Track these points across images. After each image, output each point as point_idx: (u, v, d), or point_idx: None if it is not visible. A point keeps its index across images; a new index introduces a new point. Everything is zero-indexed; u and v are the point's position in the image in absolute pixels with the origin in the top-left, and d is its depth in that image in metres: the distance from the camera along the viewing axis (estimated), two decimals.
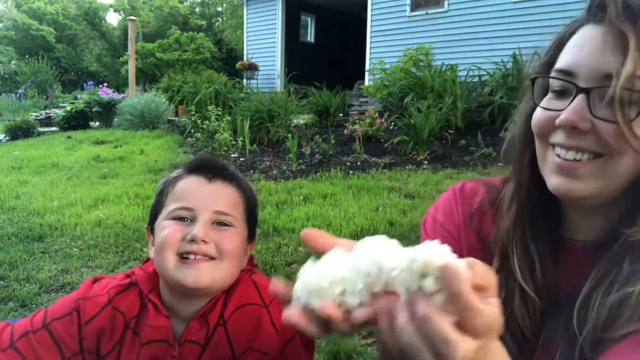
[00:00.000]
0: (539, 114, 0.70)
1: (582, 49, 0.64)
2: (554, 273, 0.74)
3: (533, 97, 0.73)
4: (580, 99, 0.63)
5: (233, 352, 0.90)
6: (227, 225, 0.92)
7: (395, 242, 0.46)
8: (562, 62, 0.67)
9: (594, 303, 0.64)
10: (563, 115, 0.64)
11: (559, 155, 0.66)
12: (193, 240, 0.87)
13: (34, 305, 2.62)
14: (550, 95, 0.69)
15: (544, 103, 0.69)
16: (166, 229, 0.90)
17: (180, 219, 0.90)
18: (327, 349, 2.18)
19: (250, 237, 1.00)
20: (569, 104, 0.64)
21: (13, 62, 30.08)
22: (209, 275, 0.88)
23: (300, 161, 5.93)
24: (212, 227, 0.90)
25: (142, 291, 0.93)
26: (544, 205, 0.75)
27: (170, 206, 0.92)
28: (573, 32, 0.68)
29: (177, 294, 0.92)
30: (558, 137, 0.66)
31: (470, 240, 0.82)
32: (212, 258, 0.88)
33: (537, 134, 0.71)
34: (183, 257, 0.88)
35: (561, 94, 0.67)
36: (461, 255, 0.82)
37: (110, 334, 0.91)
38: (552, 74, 0.68)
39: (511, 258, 0.73)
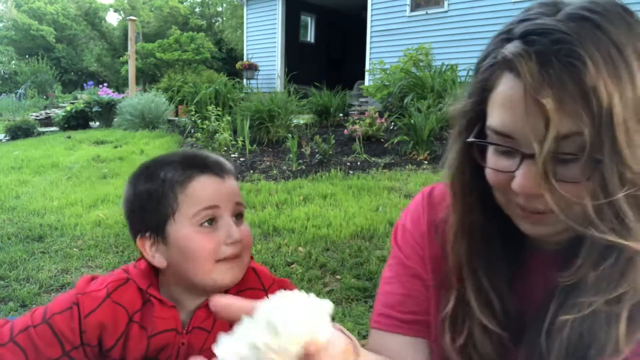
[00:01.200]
0: (490, 173, 0.66)
1: (512, 112, 0.59)
2: (516, 303, 0.70)
3: (468, 151, 0.69)
4: (527, 164, 0.59)
5: None
6: (242, 216, 0.94)
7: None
8: (496, 121, 0.62)
9: (559, 325, 0.62)
10: (518, 184, 0.60)
11: (523, 209, 0.64)
12: (232, 243, 0.88)
13: (34, 305, 2.62)
14: (493, 151, 0.66)
15: (491, 162, 0.65)
16: (196, 239, 0.88)
17: (207, 222, 0.89)
18: None
19: None
20: (518, 169, 0.61)
21: (13, 62, 30.07)
22: (242, 270, 0.92)
23: (300, 161, 5.92)
24: (234, 221, 0.92)
25: (140, 287, 0.94)
26: (497, 234, 0.71)
27: (190, 209, 0.88)
28: (497, 78, 0.62)
29: (187, 289, 0.93)
30: (517, 197, 0.63)
31: (434, 250, 0.80)
32: (239, 254, 0.91)
33: (495, 189, 0.68)
34: (221, 262, 0.89)
35: (505, 153, 0.63)
36: (425, 265, 0.81)
37: (112, 328, 0.92)
38: (489, 131, 0.64)
39: (466, 295, 0.70)
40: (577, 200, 0.57)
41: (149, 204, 0.90)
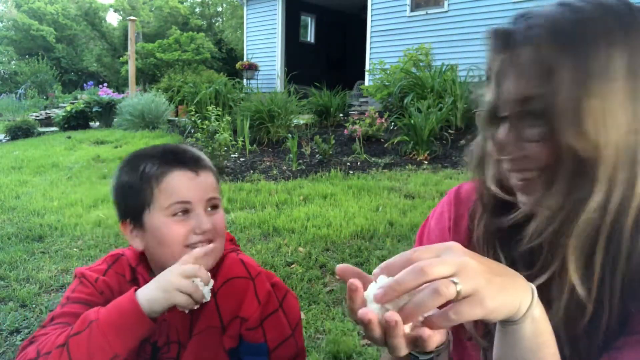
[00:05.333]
0: (489, 146, 0.71)
1: (497, 82, 0.67)
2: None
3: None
4: (502, 125, 0.65)
5: (222, 322, 0.98)
6: (216, 207, 1.01)
7: None
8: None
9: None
10: (494, 140, 0.66)
11: (512, 172, 0.67)
12: (202, 232, 0.95)
13: (34, 305, 2.62)
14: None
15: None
16: (168, 226, 0.95)
17: (179, 212, 0.96)
18: (327, 349, 2.17)
19: None
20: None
21: (13, 62, 30.04)
22: (215, 256, 0.98)
23: (300, 161, 5.93)
24: (206, 212, 0.98)
25: (130, 264, 1.03)
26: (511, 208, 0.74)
27: (164, 202, 0.96)
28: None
29: None
30: (505, 164, 0.68)
31: (458, 241, 0.82)
32: (211, 241, 0.97)
33: (495, 162, 0.72)
34: (190, 247, 0.96)
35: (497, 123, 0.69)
36: None
37: (119, 295, 0.97)
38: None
39: None
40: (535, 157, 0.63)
41: (129, 195, 0.99)
